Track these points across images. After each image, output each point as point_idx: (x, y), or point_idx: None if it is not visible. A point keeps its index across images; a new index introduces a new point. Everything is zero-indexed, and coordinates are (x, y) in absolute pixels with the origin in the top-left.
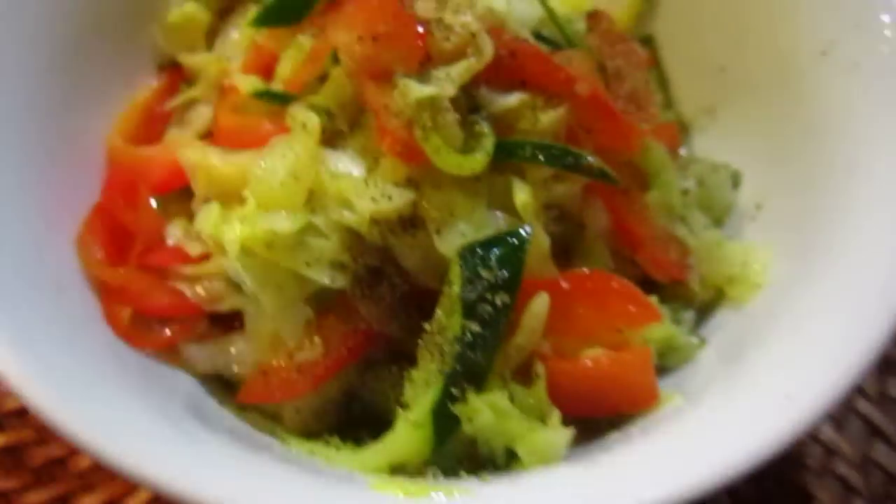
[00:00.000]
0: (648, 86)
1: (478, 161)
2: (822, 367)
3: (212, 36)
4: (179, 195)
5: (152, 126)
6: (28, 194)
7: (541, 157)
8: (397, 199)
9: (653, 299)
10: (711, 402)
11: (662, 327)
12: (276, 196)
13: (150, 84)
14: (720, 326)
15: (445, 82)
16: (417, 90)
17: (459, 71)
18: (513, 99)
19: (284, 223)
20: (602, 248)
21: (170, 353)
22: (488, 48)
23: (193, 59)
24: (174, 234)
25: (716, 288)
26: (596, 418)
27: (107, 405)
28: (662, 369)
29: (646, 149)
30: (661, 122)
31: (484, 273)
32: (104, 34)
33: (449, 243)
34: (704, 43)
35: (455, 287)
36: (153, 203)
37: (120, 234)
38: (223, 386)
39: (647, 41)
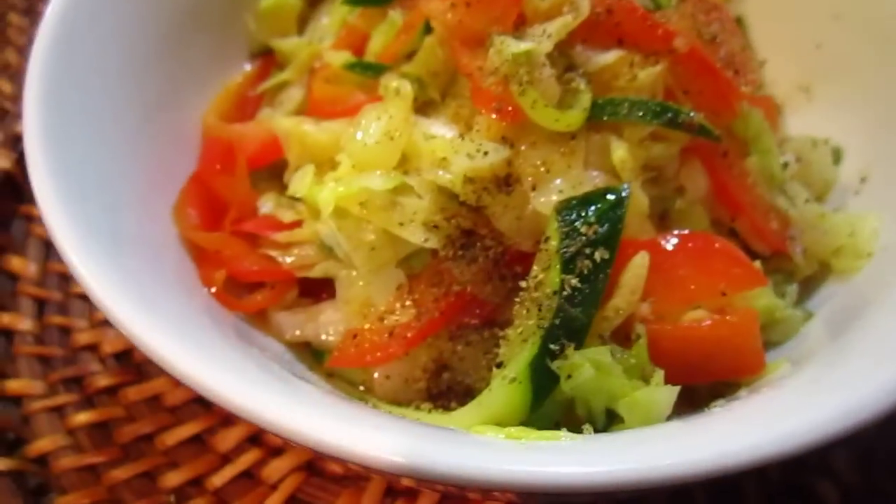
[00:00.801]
0: (747, 52)
1: (575, 116)
2: None
3: (303, 23)
4: (269, 174)
5: (245, 108)
6: (137, 169)
7: (639, 113)
8: (493, 155)
9: (756, 264)
10: (817, 368)
11: (766, 296)
12: (370, 156)
13: (243, 70)
14: (827, 299)
15: (542, 38)
16: (514, 46)
17: (556, 27)
18: (609, 56)
19: (378, 181)
20: (701, 213)
21: (260, 320)
22: (585, 5)
23: (285, 44)
24: (266, 205)
25: (820, 261)
26: (698, 387)
27: (211, 350)
28: (766, 343)
29: (745, 113)
30: (758, 94)
31: (582, 228)
32: (202, 26)
33: (545, 200)
34: (798, 21)
35: (553, 242)
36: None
37: (215, 203)
38: (311, 355)
39: (738, 22)
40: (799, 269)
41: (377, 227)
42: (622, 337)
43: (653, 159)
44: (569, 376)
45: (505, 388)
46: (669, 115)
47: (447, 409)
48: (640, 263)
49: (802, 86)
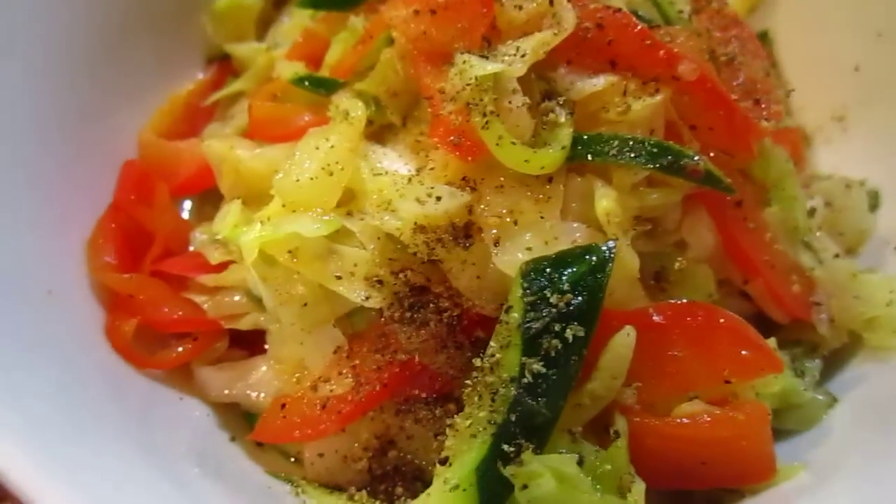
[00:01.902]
0: (770, 78)
1: (550, 157)
2: None
3: (265, 26)
4: (219, 197)
5: (196, 121)
6: (49, 194)
7: (631, 154)
8: (448, 202)
9: (771, 343)
10: (846, 482)
11: (781, 379)
12: (304, 194)
13: (195, 77)
14: (857, 381)
15: (514, 59)
16: (479, 67)
17: (532, 45)
18: (598, 82)
19: (312, 226)
20: (706, 274)
21: (182, 376)
22: (569, 18)
23: (241, 49)
24: (199, 238)
25: (851, 333)
26: (692, 492)
27: (91, 466)
28: (779, 433)
29: (765, 154)
30: (782, 125)
31: (552, 297)
32: (149, 25)
33: (510, 258)
34: (833, 39)
35: (515, 314)
36: (187, 203)
37: (137, 237)
38: (241, 416)
39: (763, 37)
40: (824, 342)
41: (309, 280)
42: (600, 429)
43: (648, 209)
44: (525, 486)
45: (446, 494)
46: (669, 157)
47: (391, 494)
48: (624, 342)
49: (836, 114)
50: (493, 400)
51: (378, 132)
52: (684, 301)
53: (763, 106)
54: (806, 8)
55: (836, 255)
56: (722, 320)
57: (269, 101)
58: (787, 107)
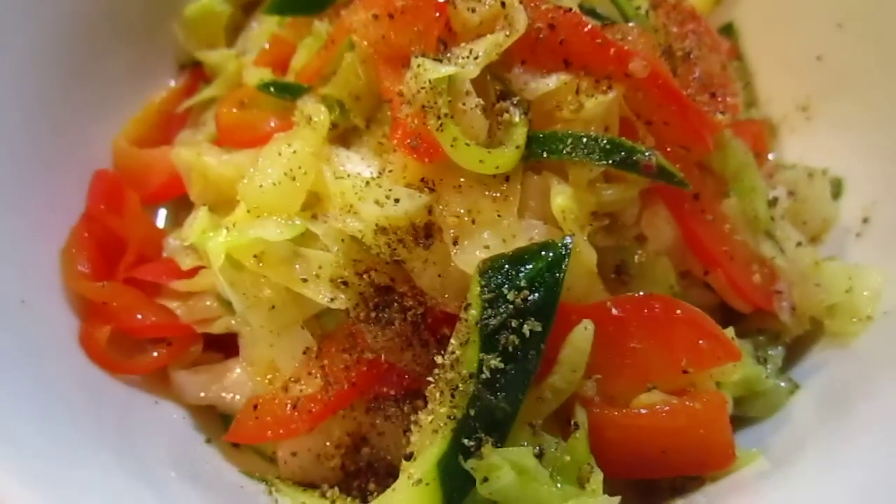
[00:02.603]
0: (727, 72)
1: (506, 156)
2: None
3: (236, 32)
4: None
5: (167, 128)
6: (11, 206)
7: (584, 152)
8: (407, 203)
9: (729, 332)
10: (805, 466)
11: (742, 367)
12: (268, 199)
13: (168, 85)
14: (818, 368)
15: (468, 61)
16: (433, 70)
17: (485, 47)
18: (552, 81)
19: (276, 231)
20: (666, 266)
21: (158, 381)
22: (521, 20)
23: (211, 56)
24: (172, 245)
25: (812, 320)
26: (653, 481)
27: (67, 473)
28: (741, 420)
29: (723, 146)
30: (742, 118)
31: (510, 294)
32: (121, 33)
33: (468, 257)
34: (796, 29)
35: (473, 311)
36: (162, 211)
37: (110, 246)
38: (218, 418)
39: (728, 29)
40: (786, 330)
41: (276, 284)
42: (562, 421)
43: (605, 204)
44: (486, 479)
45: (410, 489)
46: (622, 154)
47: (364, 490)
48: (582, 336)
49: (800, 104)
50: (452, 396)
51: (343, 135)
52: (642, 294)
53: (719, 99)
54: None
55: (799, 244)
56: (679, 312)
57: (236, 107)
58: (753, 97)
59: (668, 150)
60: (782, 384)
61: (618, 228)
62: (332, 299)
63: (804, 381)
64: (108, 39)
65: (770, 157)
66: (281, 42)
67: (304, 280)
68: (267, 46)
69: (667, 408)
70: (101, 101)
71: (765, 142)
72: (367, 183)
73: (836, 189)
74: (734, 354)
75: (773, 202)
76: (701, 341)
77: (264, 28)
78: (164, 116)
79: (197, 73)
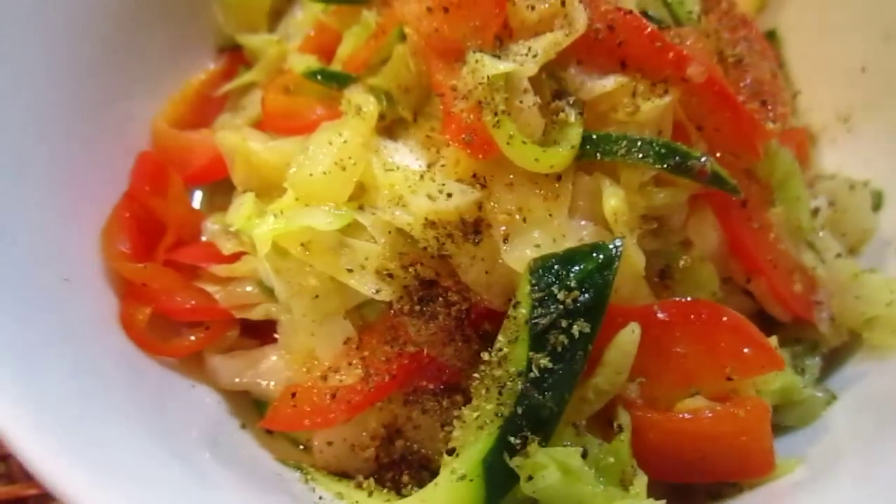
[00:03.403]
0: (777, 80)
1: (560, 155)
2: None
3: (277, 17)
4: (230, 187)
5: (207, 111)
6: (62, 180)
7: (639, 155)
8: (458, 198)
9: (773, 341)
10: (842, 477)
11: (781, 376)
12: (317, 188)
13: (207, 67)
14: (856, 379)
15: (526, 58)
16: (491, 66)
17: (544, 45)
18: (608, 82)
19: (325, 220)
20: (710, 272)
21: (194, 364)
22: (581, 19)
23: (252, 40)
24: (211, 228)
25: (851, 331)
26: (693, 485)
27: (105, 449)
28: (779, 428)
29: (771, 154)
30: (788, 126)
31: (560, 294)
32: (162, 14)
33: (518, 254)
34: (841, 39)
35: (523, 309)
36: (197, 193)
37: (150, 227)
38: (251, 404)
39: (770, 37)
40: (824, 340)
41: (321, 273)
42: (604, 422)
43: (654, 208)
44: (530, 477)
45: (453, 484)
46: (677, 158)
47: (398, 483)
48: (629, 338)
49: (842, 115)
50: (500, 393)
51: (389, 127)
52: (688, 299)
53: (769, 108)
54: (814, 8)
55: (839, 255)
56: (725, 318)
57: (281, 93)
58: (794, 107)
59: (718, 155)
60: (819, 394)
61: (664, 232)
62: (377, 291)
63: (841, 392)
64: (148, 19)
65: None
66: (326, 30)
67: (350, 270)
68: (312, 33)
69: (710, 413)
70: (140, 81)
71: (807, 151)
72: (422, 176)
73: (877, 201)
74: (778, 363)
75: (814, 212)
76: (746, 349)
77: (308, 15)
78: (202, 99)
79: (236, 57)
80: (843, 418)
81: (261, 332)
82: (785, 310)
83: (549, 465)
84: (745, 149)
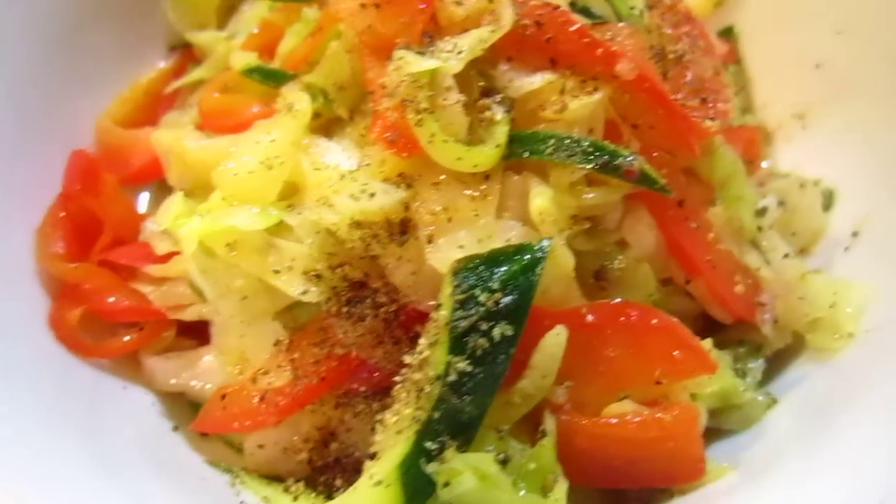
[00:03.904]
0: (720, 77)
1: (484, 154)
2: None
3: (229, 14)
4: None
5: (154, 109)
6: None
7: (566, 154)
8: (382, 198)
9: (707, 344)
10: (776, 482)
11: (720, 379)
12: (243, 187)
13: (157, 65)
14: (797, 382)
15: (451, 55)
16: (414, 63)
17: (469, 42)
18: (536, 80)
19: (249, 220)
20: (646, 273)
21: (130, 366)
22: (507, 15)
23: (201, 38)
24: (149, 228)
25: (795, 334)
26: (621, 491)
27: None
28: (717, 432)
29: (712, 153)
30: (735, 124)
31: (482, 296)
32: (111, 12)
33: (442, 255)
34: (797, 35)
35: (444, 311)
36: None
37: (88, 227)
38: (187, 405)
39: (728, 33)
40: (768, 343)
41: (249, 273)
42: (532, 427)
43: (586, 208)
44: (447, 484)
45: (370, 490)
46: (604, 157)
47: (331, 486)
48: (555, 341)
49: (797, 112)
50: (418, 397)
51: (326, 125)
52: (618, 301)
53: (710, 105)
54: (770, 3)
55: (786, 255)
56: (655, 321)
57: (220, 91)
58: (749, 103)
59: (654, 154)
60: (760, 398)
61: (599, 233)
62: (303, 292)
63: (783, 395)
64: (97, 15)
65: (764, 164)
66: (270, 26)
67: (277, 271)
68: (256, 30)
69: (637, 418)
70: (87, 78)
71: (758, 149)
72: (343, 176)
73: (828, 200)
74: (710, 367)
75: (761, 212)
76: (676, 352)
77: (255, 11)
78: (152, 97)
79: (187, 55)
80: (783, 422)
81: (199, 333)
82: (726, 311)
83: (465, 472)
84: (680, 147)
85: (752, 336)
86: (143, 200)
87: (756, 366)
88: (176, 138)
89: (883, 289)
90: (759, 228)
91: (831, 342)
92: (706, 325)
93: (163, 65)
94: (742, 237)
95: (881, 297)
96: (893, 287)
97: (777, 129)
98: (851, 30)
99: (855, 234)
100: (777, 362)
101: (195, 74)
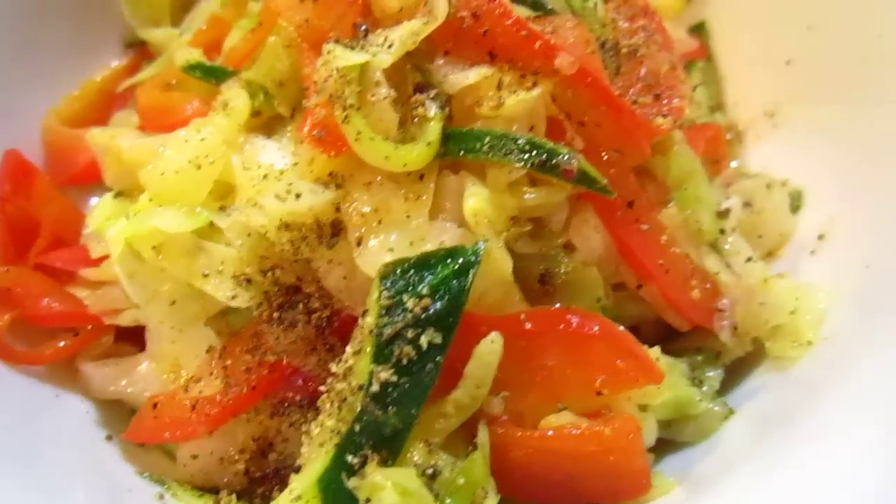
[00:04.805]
0: (676, 72)
1: (416, 153)
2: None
3: (185, 11)
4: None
5: (108, 109)
6: None
7: (502, 152)
8: (310, 199)
9: (655, 352)
10: (725, 497)
11: (673, 389)
12: (170, 188)
13: (111, 64)
14: (755, 392)
15: (381, 49)
16: (342, 57)
17: (401, 35)
18: (471, 75)
19: (176, 221)
20: (594, 277)
21: (66, 373)
22: (441, 7)
23: (155, 34)
24: (87, 231)
25: (755, 341)
26: None
27: None
28: (671, 444)
29: (665, 152)
30: (700, 121)
31: (409, 302)
32: (64, 12)
33: (371, 259)
34: (767, 31)
35: (369, 318)
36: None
37: (24, 230)
38: (126, 413)
39: (699, 29)
40: (727, 350)
41: (177, 277)
42: (467, 438)
43: (528, 209)
44: (368, 500)
45: None
46: (542, 155)
47: (268, 498)
48: (489, 349)
49: (768, 110)
50: (340, 408)
51: (268, 123)
52: (558, 307)
53: (664, 101)
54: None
55: (749, 259)
56: (596, 328)
57: (162, 88)
58: (720, 101)
59: (602, 153)
60: (716, 408)
61: (543, 235)
62: (233, 297)
63: (741, 405)
64: (49, 10)
65: (734, 164)
66: (219, 22)
67: (206, 275)
68: (203, 27)
69: (574, 431)
70: (36, 76)
71: (723, 148)
72: (266, 176)
73: (796, 202)
74: (655, 377)
75: (724, 213)
76: (619, 361)
77: (205, 8)
78: (105, 96)
79: (143, 53)
80: (739, 433)
81: (140, 339)
82: (682, 317)
83: (385, 486)
84: (628, 145)
85: (710, 344)
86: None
87: (714, 374)
88: (111, 137)
89: (845, 294)
90: (722, 231)
91: (790, 350)
92: (665, 332)
93: (117, 63)
94: (700, 240)
95: (842, 303)
96: (855, 292)
97: (748, 127)
98: (822, 25)
99: (821, 238)
100: (736, 371)
101: (146, 73)
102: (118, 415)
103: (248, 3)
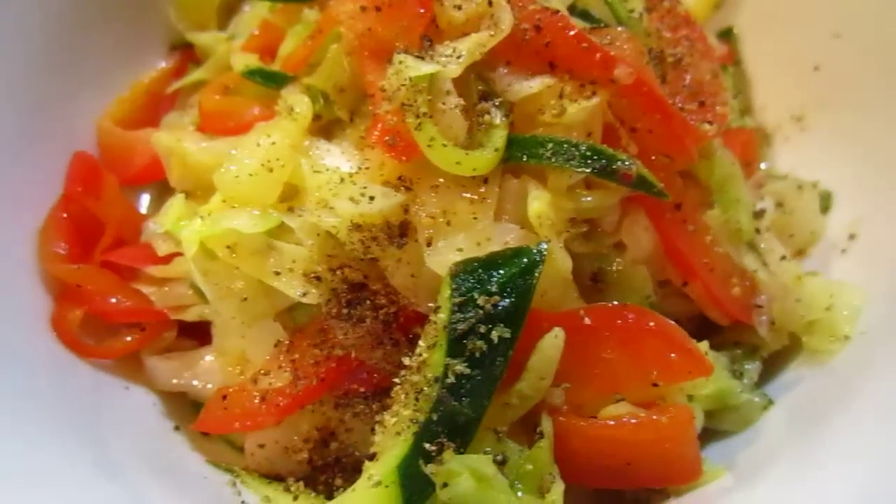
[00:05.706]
0: (718, 80)
1: (483, 158)
2: None
3: (229, 14)
4: None
5: (154, 110)
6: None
7: (563, 158)
8: (381, 202)
9: (703, 346)
10: (771, 484)
11: (716, 381)
12: (244, 190)
13: (158, 66)
14: (793, 384)
15: (450, 59)
16: (413, 67)
17: (468, 46)
18: (535, 84)
19: (249, 222)
20: (643, 276)
21: (132, 366)
22: (506, 20)
23: (202, 38)
24: (150, 229)
25: (791, 336)
26: (617, 492)
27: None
28: (713, 433)
29: (709, 156)
30: (733, 126)
31: (480, 299)
32: (112, 14)
33: (441, 258)
34: (795, 37)
35: (442, 314)
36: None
37: (90, 228)
38: (189, 405)
39: (727, 34)
40: (764, 344)
41: (249, 275)
42: (529, 428)
43: (584, 211)
44: (445, 484)
45: (369, 490)
46: (602, 161)
47: (331, 485)
48: (552, 343)
49: (796, 114)
50: (416, 399)
51: (326, 127)
52: (615, 304)
53: (708, 108)
54: (769, 5)
55: (783, 258)
56: (651, 324)
57: (221, 93)
58: (748, 104)
59: (652, 158)
60: (756, 399)
61: (596, 236)
62: (303, 294)
63: (779, 396)
64: (98, 14)
65: (762, 166)
66: (270, 28)
67: (277, 273)
68: (256, 32)
69: (633, 420)
70: (87, 79)
71: (755, 151)
72: (342, 179)
73: (825, 203)
74: (705, 369)
75: (759, 214)
76: (672, 354)
77: (255, 12)
78: (152, 97)
79: (187, 55)
80: (778, 423)
81: (199, 334)
82: (723, 313)
83: (463, 473)
84: (677, 151)
85: (748, 338)
86: (144, 201)
87: (752, 367)
88: (176, 140)
89: (878, 291)
90: (757, 231)
91: (827, 344)
92: (703, 327)
93: (163, 65)
94: (739, 239)
95: (876, 300)
96: (888, 289)
97: (775, 130)
98: (849, 32)
99: (852, 237)
100: (773, 364)
101: (195, 75)
102: (182, 407)
103: (301, 9)
